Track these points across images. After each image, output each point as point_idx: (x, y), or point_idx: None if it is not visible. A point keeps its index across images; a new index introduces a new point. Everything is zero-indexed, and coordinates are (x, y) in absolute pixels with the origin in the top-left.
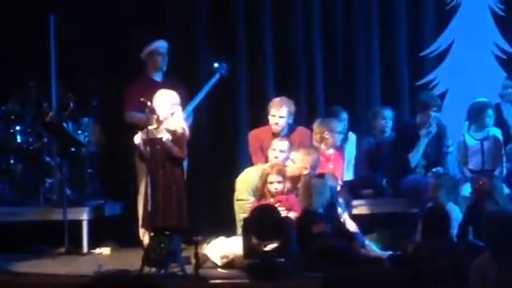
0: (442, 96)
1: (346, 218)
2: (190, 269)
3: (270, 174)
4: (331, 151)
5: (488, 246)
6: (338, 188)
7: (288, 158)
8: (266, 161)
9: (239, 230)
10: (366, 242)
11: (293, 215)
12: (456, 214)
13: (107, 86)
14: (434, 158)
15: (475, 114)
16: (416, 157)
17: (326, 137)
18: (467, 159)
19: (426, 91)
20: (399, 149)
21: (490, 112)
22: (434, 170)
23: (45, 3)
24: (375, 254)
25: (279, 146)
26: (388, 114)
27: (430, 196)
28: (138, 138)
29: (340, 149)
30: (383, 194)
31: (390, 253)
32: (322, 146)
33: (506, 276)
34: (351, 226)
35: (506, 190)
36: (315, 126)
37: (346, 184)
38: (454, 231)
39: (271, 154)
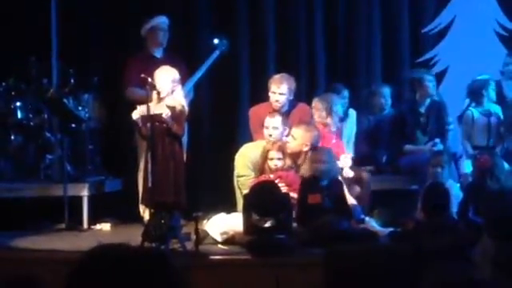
0: (443, 73)
1: (346, 193)
2: (190, 245)
3: (270, 150)
4: (334, 128)
5: (486, 224)
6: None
7: (283, 134)
8: None
9: (240, 207)
10: (367, 218)
11: (293, 193)
12: (456, 191)
13: (108, 62)
14: (435, 135)
15: (474, 92)
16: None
17: (334, 109)
18: (472, 135)
19: (416, 68)
20: (396, 136)
21: (492, 86)
22: (433, 142)
23: None
24: (374, 231)
25: (271, 123)
26: (387, 91)
27: (430, 173)
28: (136, 114)
29: (338, 127)
30: (383, 170)
31: (391, 230)
32: (328, 120)
33: (504, 254)
34: (351, 201)
35: (507, 167)
36: (317, 103)
37: None
38: (454, 209)
39: (265, 132)
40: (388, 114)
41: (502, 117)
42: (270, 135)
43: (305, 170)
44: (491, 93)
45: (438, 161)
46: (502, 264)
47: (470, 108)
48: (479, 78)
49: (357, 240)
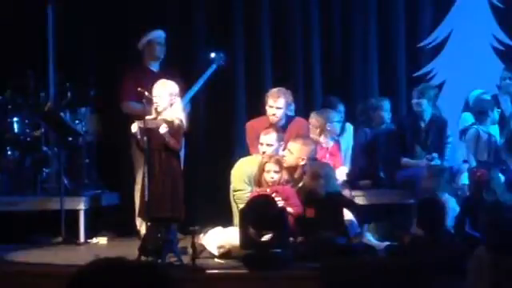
0: (440, 87)
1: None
2: (186, 259)
3: (267, 162)
4: (330, 144)
5: (484, 238)
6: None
7: (277, 150)
8: None
9: (236, 221)
10: (364, 232)
11: (289, 208)
12: (452, 204)
13: (105, 76)
14: (435, 151)
15: (481, 111)
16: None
17: (328, 128)
18: (475, 151)
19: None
20: (393, 150)
21: (495, 108)
22: (430, 156)
23: None
24: (371, 245)
25: (266, 140)
26: (387, 105)
27: (425, 187)
28: (134, 127)
29: (337, 141)
30: (380, 184)
31: (387, 243)
32: (322, 139)
33: (501, 270)
34: (347, 217)
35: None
36: (313, 119)
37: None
38: (450, 223)
39: (260, 149)
40: (385, 128)
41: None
42: (264, 152)
43: (307, 182)
44: (496, 114)
45: (433, 175)
46: (500, 278)
47: (475, 126)
48: (482, 97)
49: (353, 254)
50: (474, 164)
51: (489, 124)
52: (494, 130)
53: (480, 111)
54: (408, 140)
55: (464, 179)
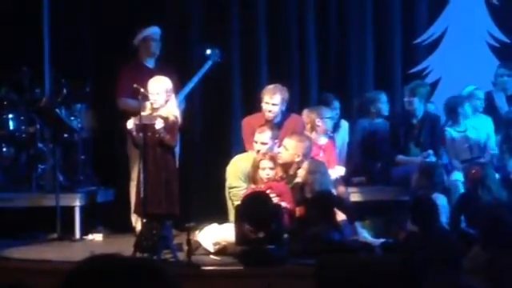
0: (435, 84)
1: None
2: (182, 255)
3: (262, 159)
4: (324, 140)
5: (479, 236)
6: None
7: (272, 148)
8: None
9: (231, 217)
10: (359, 229)
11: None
12: (442, 202)
13: (100, 72)
14: (429, 147)
15: (450, 110)
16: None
17: (318, 124)
18: (455, 152)
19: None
20: (389, 146)
21: (467, 103)
22: (426, 153)
23: None
24: (366, 242)
25: (260, 138)
26: (384, 97)
27: (417, 185)
28: (130, 124)
29: (331, 138)
30: (376, 180)
31: (383, 240)
32: (313, 135)
33: (497, 267)
34: (339, 216)
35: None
36: (304, 115)
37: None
38: (444, 220)
39: (255, 147)
40: (382, 123)
41: (478, 128)
42: (259, 151)
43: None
44: (467, 110)
45: (424, 172)
46: (495, 276)
47: (447, 128)
48: (452, 96)
49: (349, 251)
50: (459, 165)
51: (461, 121)
52: (471, 123)
53: (449, 110)
54: (401, 137)
55: (457, 175)
